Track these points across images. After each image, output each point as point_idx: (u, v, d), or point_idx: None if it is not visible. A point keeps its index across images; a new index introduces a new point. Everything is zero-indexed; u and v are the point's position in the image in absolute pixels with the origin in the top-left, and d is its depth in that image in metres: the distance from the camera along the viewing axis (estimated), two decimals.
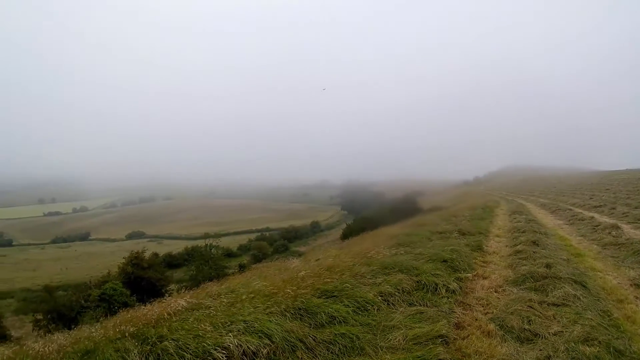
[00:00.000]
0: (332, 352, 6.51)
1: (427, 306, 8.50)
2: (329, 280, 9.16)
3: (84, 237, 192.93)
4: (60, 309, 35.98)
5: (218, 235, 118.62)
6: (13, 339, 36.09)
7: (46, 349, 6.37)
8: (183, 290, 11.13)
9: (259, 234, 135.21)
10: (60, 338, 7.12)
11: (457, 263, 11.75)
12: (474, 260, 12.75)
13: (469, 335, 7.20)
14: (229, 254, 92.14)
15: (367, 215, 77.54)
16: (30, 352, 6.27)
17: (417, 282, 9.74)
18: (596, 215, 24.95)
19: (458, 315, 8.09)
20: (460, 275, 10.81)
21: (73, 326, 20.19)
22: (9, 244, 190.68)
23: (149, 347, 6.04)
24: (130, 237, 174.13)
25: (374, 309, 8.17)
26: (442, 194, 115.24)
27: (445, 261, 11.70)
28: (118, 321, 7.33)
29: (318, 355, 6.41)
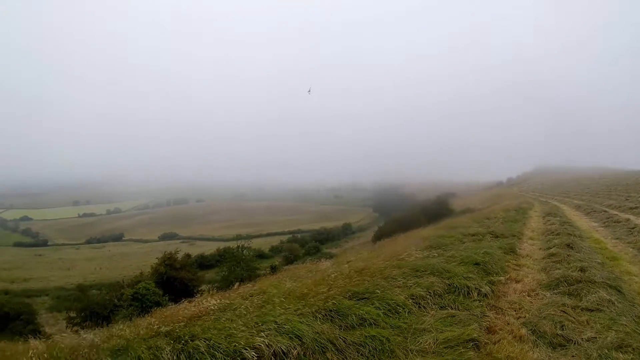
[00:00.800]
0: (362, 355, 6.48)
1: (458, 309, 8.43)
2: (360, 282, 9.13)
3: (117, 238, 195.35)
4: (93, 307, 36.46)
5: (250, 237, 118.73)
6: (46, 335, 36.71)
7: (79, 345, 6.43)
8: (214, 290, 11.19)
9: (291, 235, 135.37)
10: (93, 335, 7.20)
11: (490, 266, 11.60)
12: (506, 263, 12.59)
13: (500, 340, 7.12)
14: (261, 256, 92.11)
15: (398, 217, 76.89)
16: (64, 347, 6.32)
17: (449, 285, 9.66)
18: (632, 217, 24.43)
19: (490, 319, 8.00)
20: (492, 278, 10.67)
21: (106, 324, 20.45)
22: (44, 243, 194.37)
23: (180, 346, 6.07)
24: (163, 238, 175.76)
25: (405, 311, 8.10)
26: (474, 195, 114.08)
27: (477, 264, 11.57)
28: (151, 320, 7.39)
29: (348, 357, 6.39)
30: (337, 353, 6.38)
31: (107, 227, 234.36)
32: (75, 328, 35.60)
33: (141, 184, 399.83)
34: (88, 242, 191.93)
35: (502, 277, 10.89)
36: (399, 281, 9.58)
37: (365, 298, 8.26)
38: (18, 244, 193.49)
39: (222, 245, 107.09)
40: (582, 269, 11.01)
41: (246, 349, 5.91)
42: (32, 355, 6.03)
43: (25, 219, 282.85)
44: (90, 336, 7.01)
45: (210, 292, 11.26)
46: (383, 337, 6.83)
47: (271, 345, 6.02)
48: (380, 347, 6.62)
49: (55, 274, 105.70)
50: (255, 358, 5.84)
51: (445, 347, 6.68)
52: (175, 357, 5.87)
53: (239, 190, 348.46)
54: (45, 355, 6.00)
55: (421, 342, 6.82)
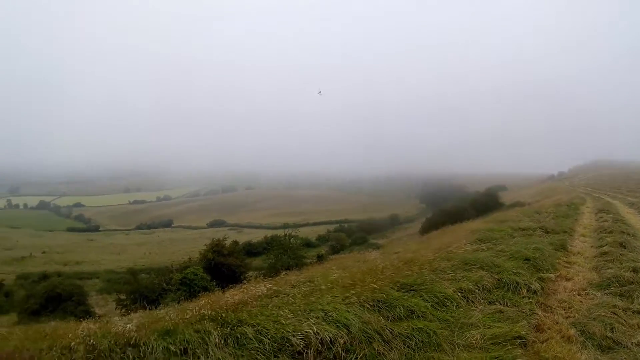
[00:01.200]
0: (408, 347, 6.45)
1: (507, 305, 8.31)
2: (408, 273, 9.05)
3: (167, 224, 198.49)
4: (142, 290, 37.07)
5: (297, 226, 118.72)
6: (96, 316, 37.67)
7: (129, 326, 6.59)
8: (261, 277, 11.27)
9: (338, 225, 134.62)
10: (142, 317, 7.34)
11: (540, 262, 11.39)
12: (557, 260, 12.31)
13: (548, 339, 7.00)
14: (308, 244, 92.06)
15: (447, 208, 75.80)
16: (114, 328, 6.48)
17: (498, 280, 9.52)
18: None
19: (538, 317, 7.87)
20: (542, 275, 10.49)
21: (154, 307, 20.80)
22: (96, 229, 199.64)
23: (228, 330, 6.17)
24: (211, 225, 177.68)
25: (452, 305, 8.02)
26: (524, 188, 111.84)
27: (527, 260, 11.36)
28: (198, 304, 7.46)
29: (394, 349, 6.34)
30: (383, 344, 6.35)
31: (156, 213, 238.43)
32: (124, 310, 36.43)
33: (191, 173, 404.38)
34: (138, 228, 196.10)
35: (552, 275, 10.69)
36: (448, 274, 9.49)
37: (414, 290, 8.21)
38: (71, 229, 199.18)
39: (269, 233, 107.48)
40: (634, 270, 10.68)
41: (293, 336, 5.97)
42: (84, 334, 6.21)
43: (78, 205, 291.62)
44: (140, 318, 7.17)
45: (257, 278, 11.31)
46: (430, 330, 6.79)
47: (318, 333, 6.05)
48: (427, 340, 6.59)
49: (106, 258, 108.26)
50: (303, 345, 5.89)
51: (492, 344, 6.61)
52: (222, 342, 5.95)
53: (287, 179, 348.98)
54: (97, 334, 6.17)
55: (468, 337, 6.76)
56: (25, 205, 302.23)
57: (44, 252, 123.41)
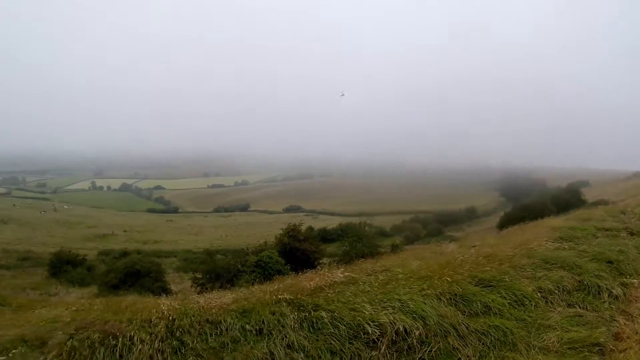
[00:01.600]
0: (483, 344, 6.34)
1: (586, 309, 7.94)
2: (487, 268, 8.78)
3: (244, 208, 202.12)
4: (218, 270, 37.69)
5: (372, 214, 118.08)
6: (173, 292, 38.83)
7: (209, 304, 6.78)
8: (335, 264, 11.30)
9: (413, 215, 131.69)
10: (222, 296, 7.51)
11: (624, 266, 10.74)
12: None
13: (627, 349, 6.62)
14: (382, 233, 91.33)
15: (526, 203, 73.29)
16: (195, 305, 6.68)
17: (579, 281, 9.09)
18: None
19: (619, 325, 7.47)
20: (625, 280, 9.90)
21: (229, 287, 21.21)
22: (175, 211, 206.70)
23: (304, 314, 6.27)
24: (287, 210, 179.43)
25: (530, 304, 7.75)
26: (608, 185, 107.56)
27: (610, 262, 10.78)
28: (273, 287, 7.59)
29: (469, 345, 6.25)
30: (458, 339, 6.27)
31: (234, 197, 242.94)
32: (199, 288, 37.37)
33: (269, 159, 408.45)
34: (216, 210, 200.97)
35: (635, 280, 10.10)
36: (527, 272, 9.14)
37: (492, 285, 7.98)
38: (151, 210, 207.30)
39: (344, 220, 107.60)
40: None
41: (369, 324, 5.97)
42: (165, 309, 6.45)
43: (158, 188, 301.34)
44: (217, 297, 7.36)
45: (331, 265, 11.34)
46: (507, 328, 6.64)
47: (394, 323, 6.02)
48: (502, 339, 6.45)
49: (183, 238, 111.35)
50: (378, 333, 5.88)
51: (569, 348, 6.38)
52: (298, 325, 6.06)
53: (363, 168, 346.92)
54: (177, 310, 6.39)
55: (545, 339, 6.55)
56: (108, 187, 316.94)
57: (125, 231, 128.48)
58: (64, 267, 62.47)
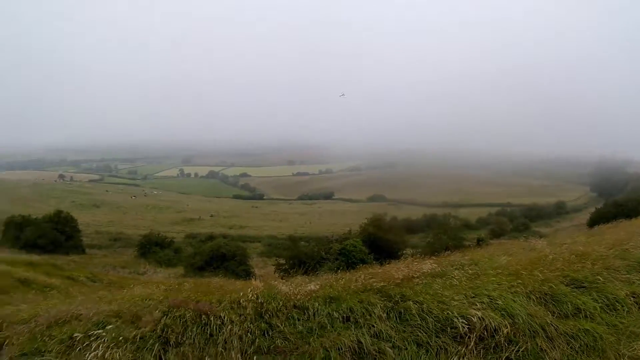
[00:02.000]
0: (572, 347, 6.07)
1: None
2: (579, 268, 8.33)
3: (327, 196, 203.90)
4: (301, 256, 38.01)
5: (456, 206, 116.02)
6: (257, 277, 39.57)
7: (296, 289, 6.88)
8: (418, 255, 11.16)
9: (500, 208, 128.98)
10: (307, 282, 7.62)
11: None
12: None
13: None
14: (467, 226, 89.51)
15: (620, 199, 69.30)
16: (282, 290, 6.81)
17: None
18: None
19: None
20: None
21: (311, 274, 21.35)
22: (260, 197, 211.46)
23: (391, 304, 6.24)
24: (371, 199, 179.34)
25: (623, 309, 7.29)
26: None
27: None
28: (357, 275, 7.62)
29: (557, 347, 6.00)
30: (546, 340, 6.03)
31: (318, 185, 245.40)
32: (282, 273, 37.89)
33: (354, 147, 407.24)
34: (300, 198, 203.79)
35: None
36: (622, 274, 8.51)
37: (584, 287, 7.58)
38: (237, 197, 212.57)
39: (428, 211, 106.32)
40: None
41: (457, 318, 5.86)
42: (253, 292, 6.64)
43: (244, 175, 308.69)
44: (304, 283, 7.46)
45: (414, 256, 11.18)
46: (597, 333, 6.30)
47: (483, 319, 5.88)
48: (591, 344, 6.13)
49: (268, 224, 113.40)
50: (466, 329, 5.78)
51: None
52: (385, 314, 6.04)
53: (450, 158, 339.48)
54: (265, 294, 6.54)
55: (636, 349, 6.11)
56: (195, 174, 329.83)
57: (211, 216, 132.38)
58: (153, 248, 65.37)
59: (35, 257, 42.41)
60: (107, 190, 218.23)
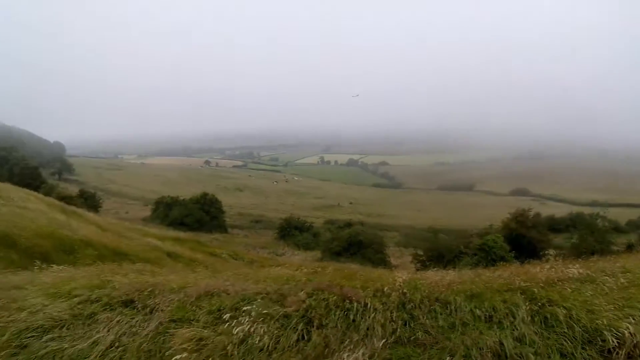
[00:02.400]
0: None
1: None
2: None
3: (467, 188, 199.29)
4: (440, 249, 37.65)
5: (606, 205, 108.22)
6: (393, 266, 39.63)
7: (439, 281, 6.87)
8: (562, 257, 10.55)
9: None
10: (447, 275, 7.49)
11: None
12: None
13: None
14: (616, 228, 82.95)
15: None
16: (425, 281, 6.81)
17: None
18: None
19: None
20: None
21: (449, 268, 21.07)
22: (399, 186, 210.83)
23: (537, 307, 5.94)
24: (513, 193, 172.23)
25: None
26: None
27: None
28: (503, 273, 7.40)
29: None
30: None
31: (458, 176, 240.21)
32: (419, 265, 37.67)
33: (499, 136, 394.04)
34: (439, 188, 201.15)
35: None
36: None
37: None
38: (376, 185, 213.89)
39: (574, 209, 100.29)
40: None
41: (608, 330, 5.41)
42: (398, 281, 6.69)
43: (383, 164, 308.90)
44: (446, 276, 7.35)
45: (557, 258, 10.58)
46: None
47: (635, 335, 5.36)
48: None
49: (405, 214, 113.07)
50: (616, 343, 5.32)
51: None
52: (529, 318, 5.77)
53: (605, 150, 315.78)
54: (409, 285, 6.53)
55: None
56: (335, 162, 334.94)
57: (350, 203, 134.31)
58: (292, 231, 67.70)
59: (181, 234, 45.75)
60: (250, 176, 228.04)
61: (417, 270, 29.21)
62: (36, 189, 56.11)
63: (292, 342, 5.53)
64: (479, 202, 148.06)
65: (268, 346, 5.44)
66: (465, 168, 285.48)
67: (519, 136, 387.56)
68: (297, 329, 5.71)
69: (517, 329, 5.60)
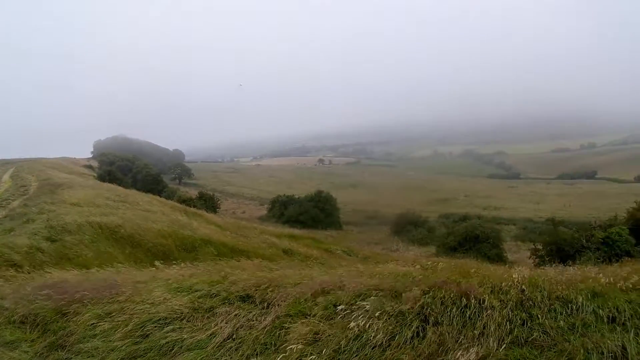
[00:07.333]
0: None
1: None
2: None
3: (590, 175, 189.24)
4: (560, 243, 36.12)
5: None
6: (509, 262, 38.47)
7: (558, 278, 6.57)
8: None
9: None
10: (567, 271, 7.27)
11: None
12: None
13: None
14: None
15: None
16: (546, 278, 6.49)
17: None
18: None
19: None
20: None
21: (570, 263, 20.12)
22: (517, 176, 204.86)
23: None
24: (639, 179, 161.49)
25: None
26: None
27: None
28: (630, 270, 6.89)
29: None
30: None
31: (580, 162, 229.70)
32: (537, 260, 36.30)
33: (622, 117, 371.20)
34: (559, 177, 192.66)
35: None
36: None
37: None
38: (492, 176, 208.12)
39: None
40: None
41: None
42: (517, 278, 6.44)
43: (500, 153, 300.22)
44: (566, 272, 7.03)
45: None
46: None
47: None
48: None
49: (524, 206, 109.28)
50: None
51: None
52: None
53: None
54: (528, 282, 6.31)
55: None
56: (450, 154, 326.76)
57: (465, 196, 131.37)
58: (406, 227, 67.29)
59: (296, 231, 46.77)
60: (363, 172, 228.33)
61: (536, 265, 28.28)
62: (159, 193, 59.55)
63: (406, 339, 5.48)
64: (602, 190, 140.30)
65: (382, 342, 5.43)
66: (586, 154, 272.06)
67: None
68: (412, 326, 5.65)
69: None
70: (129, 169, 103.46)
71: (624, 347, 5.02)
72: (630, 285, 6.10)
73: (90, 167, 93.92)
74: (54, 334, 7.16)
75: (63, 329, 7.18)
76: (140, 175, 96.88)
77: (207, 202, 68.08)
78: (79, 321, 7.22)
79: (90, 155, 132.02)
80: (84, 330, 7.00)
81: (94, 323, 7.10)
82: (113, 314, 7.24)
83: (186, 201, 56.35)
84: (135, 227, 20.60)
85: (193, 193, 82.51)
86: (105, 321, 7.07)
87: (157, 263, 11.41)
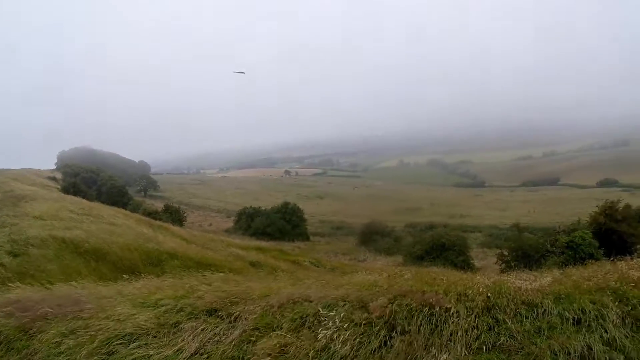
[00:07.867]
0: None
1: None
2: None
3: (552, 182, 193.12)
4: (525, 248, 36.71)
5: None
6: (476, 268, 38.95)
7: (524, 284, 6.61)
8: None
9: None
10: (534, 277, 7.31)
11: None
12: None
13: None
14: None
15: None
16: (510, 285, 6.60)
17: None
18: None
19: None
20: None
21: (535, 268, 20.41)
22: (482, 185, 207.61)
23: (628, 309, 5.65)
24: (601, 184, 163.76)
25: None
26: None
27: None
28: (591, 273, 7.08)
29: None
30: None
31: (542, 170, 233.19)
32: (503, 265, 36.84)
33: (583, 125, 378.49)
34: (523, 184, 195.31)
35: None
36: None
37: None
38: (457, 184, 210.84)
39: None
40: None
41: None
42: (481, 285, 6.52)
43: (465, 162, 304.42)
44: (532, 278, 7.12)
45: None
46: None
47: None
48: None
49: (489, 214, 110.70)
50: None
51: None
52: (619, 320, 5.50)
53: None
54: (493, 289, 6.37)
55: None
56: (415, 164, 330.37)
57: (431, 205, 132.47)
58: (373, 237, 67.71)
59: (263, 244, 46.74)
60: (329, 183, 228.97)
61: (502, 271, 28.66)
62: (124, 206, 58.73)
63: (374, 348, 5.52)
64: (564, 196, 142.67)
65: (349, 353, 5.47)
66: (549, 161, 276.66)
67: (604, 125, 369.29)
68: (379, 335, 5.70)
69: (606, 333, 5.39)
70: (93, 181, 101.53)
71: (589, 348, 5.16)
72: (594, 286, 6.25)
73: (54, 178, 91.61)
74: (17, 352, 7.06)
75: (27, 347, 7.08)
76: (105, 187, 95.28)
77: (173, 215, 67.53)
78: (43, 339, 7.09)
79: (54, 167, 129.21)
80: (48, 348, 6.88)
81: (58, 341, 6.97)
82: (78, 331, 7.12)
83: (152, 214, 55.87)
84: (100, 241, 20.37)
85: (159, 206, 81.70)
86: (70, 339, 6.96)
87: (122, 277, 11.27)
